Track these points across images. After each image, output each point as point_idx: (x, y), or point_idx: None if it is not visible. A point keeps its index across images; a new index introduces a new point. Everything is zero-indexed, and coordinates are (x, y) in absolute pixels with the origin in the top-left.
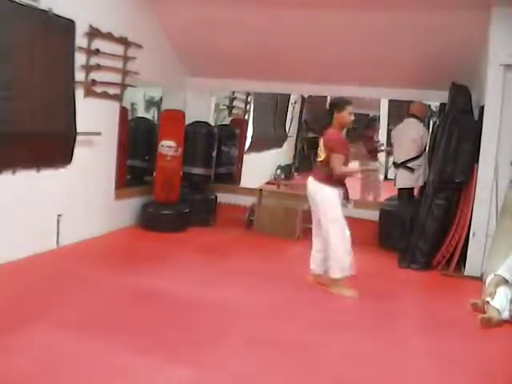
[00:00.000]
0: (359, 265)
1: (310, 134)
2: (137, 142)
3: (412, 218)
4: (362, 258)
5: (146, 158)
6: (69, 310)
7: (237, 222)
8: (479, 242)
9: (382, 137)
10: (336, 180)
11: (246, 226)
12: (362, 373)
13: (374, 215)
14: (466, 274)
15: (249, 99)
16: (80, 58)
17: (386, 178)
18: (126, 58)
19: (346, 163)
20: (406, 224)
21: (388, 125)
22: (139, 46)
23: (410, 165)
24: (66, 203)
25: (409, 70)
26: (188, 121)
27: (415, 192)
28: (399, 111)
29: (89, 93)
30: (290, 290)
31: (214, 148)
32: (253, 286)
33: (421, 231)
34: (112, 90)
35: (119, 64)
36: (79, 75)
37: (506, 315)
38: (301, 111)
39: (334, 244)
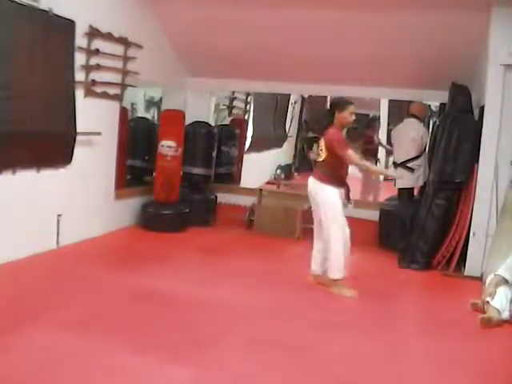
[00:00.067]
0: (359, 265)
1: (310, 134)
2: (137, 141)
3: (412, 218)
4: (362, 258)
5: (146, 157)
6: (69, 310)
7: (237, 221)
8: (479, 242)
9: (382, 137)
10: (337, 180)
11: (246, 226)
12: (362, 373)
13: (374, 215)
14: (466, 273)
15: (249, 99)
16: (80, 58)
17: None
18: (125, 58)
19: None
20: (406, 224)
21: (388, 125)
22: (139, 46)
23: (409, 165)
24: (65, 203)
25: (409, 69)
26: (188, 121)
27: (415, 192)
28: (399, 111)
29: (89, 93)
30: (290, 290)
31: (214, 148)
32: (253, 286)
33: (421, 231)
34: (112, 90)
35: (119, 64)
36: (79, 75)
37: (505, 315)
38: (301, 111)
39: (333, 244)
